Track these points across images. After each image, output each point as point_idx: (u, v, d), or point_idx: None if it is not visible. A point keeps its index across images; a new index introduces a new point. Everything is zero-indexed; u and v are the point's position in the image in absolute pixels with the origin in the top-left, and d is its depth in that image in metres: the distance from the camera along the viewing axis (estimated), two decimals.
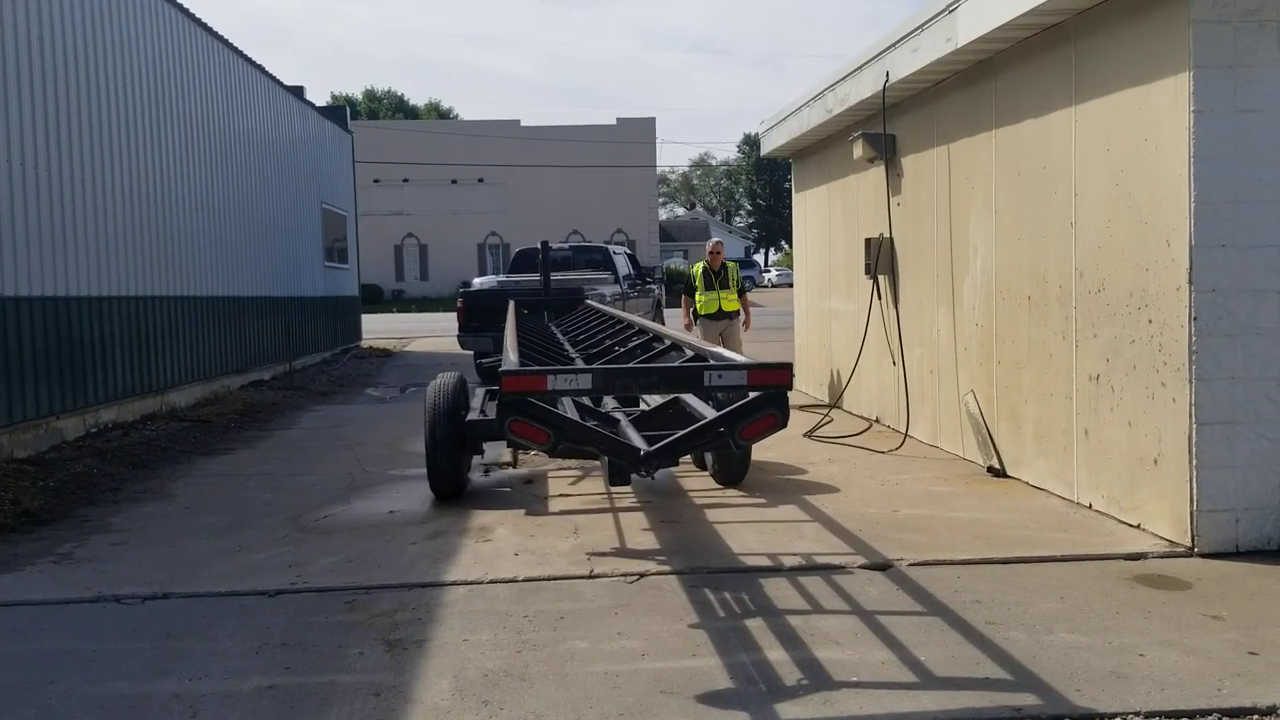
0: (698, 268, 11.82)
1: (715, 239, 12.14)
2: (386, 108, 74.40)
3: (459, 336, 14.99)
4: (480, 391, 8.42)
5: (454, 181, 49.80)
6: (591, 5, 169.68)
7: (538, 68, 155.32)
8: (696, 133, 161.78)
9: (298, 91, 18.34)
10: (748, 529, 6.17)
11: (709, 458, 7.53)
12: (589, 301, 12.70)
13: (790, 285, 13.42)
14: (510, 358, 6.40)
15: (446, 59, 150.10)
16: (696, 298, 11.70)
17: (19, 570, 5.66)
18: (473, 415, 7.36)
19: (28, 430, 8.79)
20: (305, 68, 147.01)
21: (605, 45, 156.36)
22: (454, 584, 5.19)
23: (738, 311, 11.77)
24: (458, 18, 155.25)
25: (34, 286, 8.99)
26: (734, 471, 7.30)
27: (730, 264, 11.85)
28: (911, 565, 5.32)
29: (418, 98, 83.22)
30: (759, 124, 14.03)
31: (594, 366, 6.52)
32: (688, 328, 11.77)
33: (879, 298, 9.63)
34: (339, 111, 22.68)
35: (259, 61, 15.71)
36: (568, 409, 6.04)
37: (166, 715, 3.77)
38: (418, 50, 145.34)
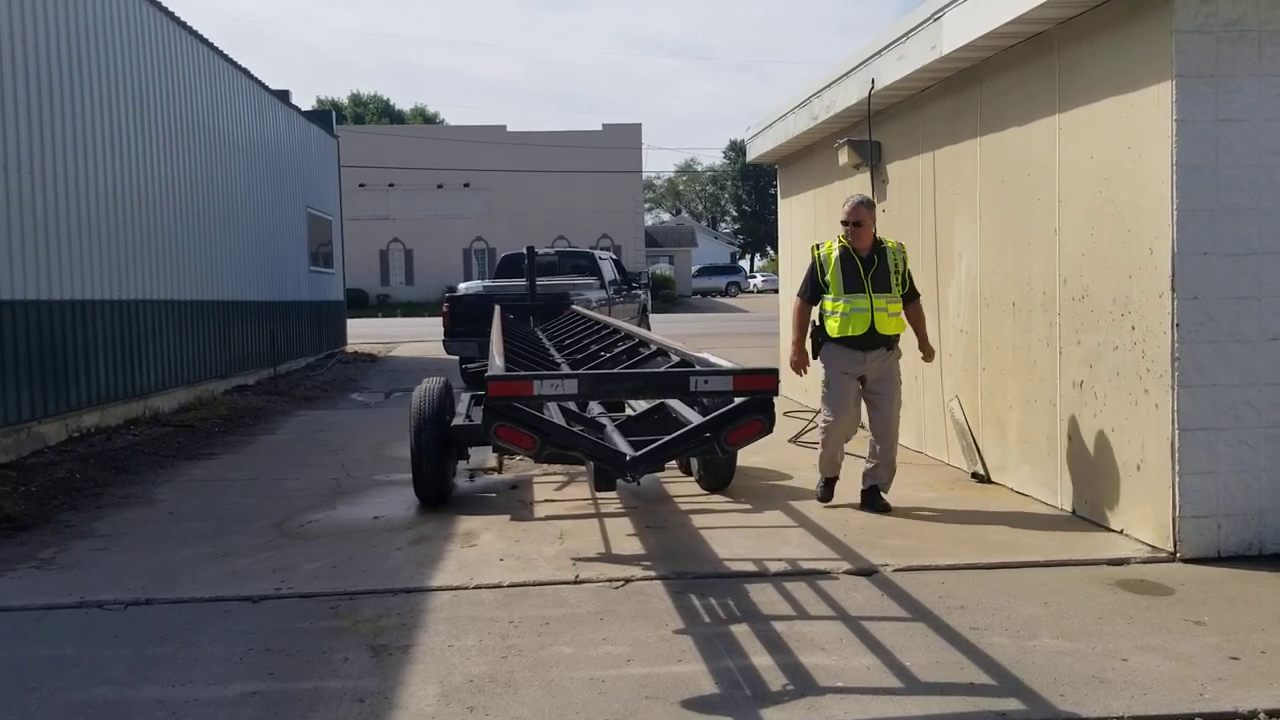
0: (829, 249, 6.72)
1: (857, 197, 6.78)
2: (372, 112, 74.20)
3: (444, 341, 14.98)
4: (466, 396, 8.41)
5: (440, 186, 49.69)
6: (571, 9, 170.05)
7: (522, 73, 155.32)
8: (682, 138, 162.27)
9: (283, 95, 18.28)
10: (733, 534, 6.17)
11: (694, 463, 7.54)
12: (575, 307, 12.69)
13: (775, 291, 13.32)
14: (496, 363, 6.39)
15: (429, 64, 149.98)
16: (826, 305, 6.69)
17: (0, 576, 5.62)
18: (458, 420, 7.34)
19: (8, 435, 8.72)
20: (286, 72, 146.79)
21: (588, 50, 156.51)
22: (439, 589, 5.17)
23: (898, 336, 6.72)
24: (439, 22, 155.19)
25: (15, 290, 8.93)
26: (719, 477, 7.31)
27: (891, 244, 6.76)
28: (896, 571, 5.34)
29: (401, 102, 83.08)
30: (744, 130, 14.07)
31: (580, 371, 6.52)
32: (798, 365, 6.87)
33: None
34: (324, 116, 22.61)
35: (240, 65, 15.65)
36: (553, 414, 6.03)
37: None
38: (400, 55, 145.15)
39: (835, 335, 6.61)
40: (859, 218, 6.62)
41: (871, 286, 6.55)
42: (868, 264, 6.60)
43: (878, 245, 6.67)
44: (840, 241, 6.71)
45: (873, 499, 6.70)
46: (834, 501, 6.86)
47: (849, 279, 6.59)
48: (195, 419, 11.35)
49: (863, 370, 6.63)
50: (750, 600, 4.92)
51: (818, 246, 6.83)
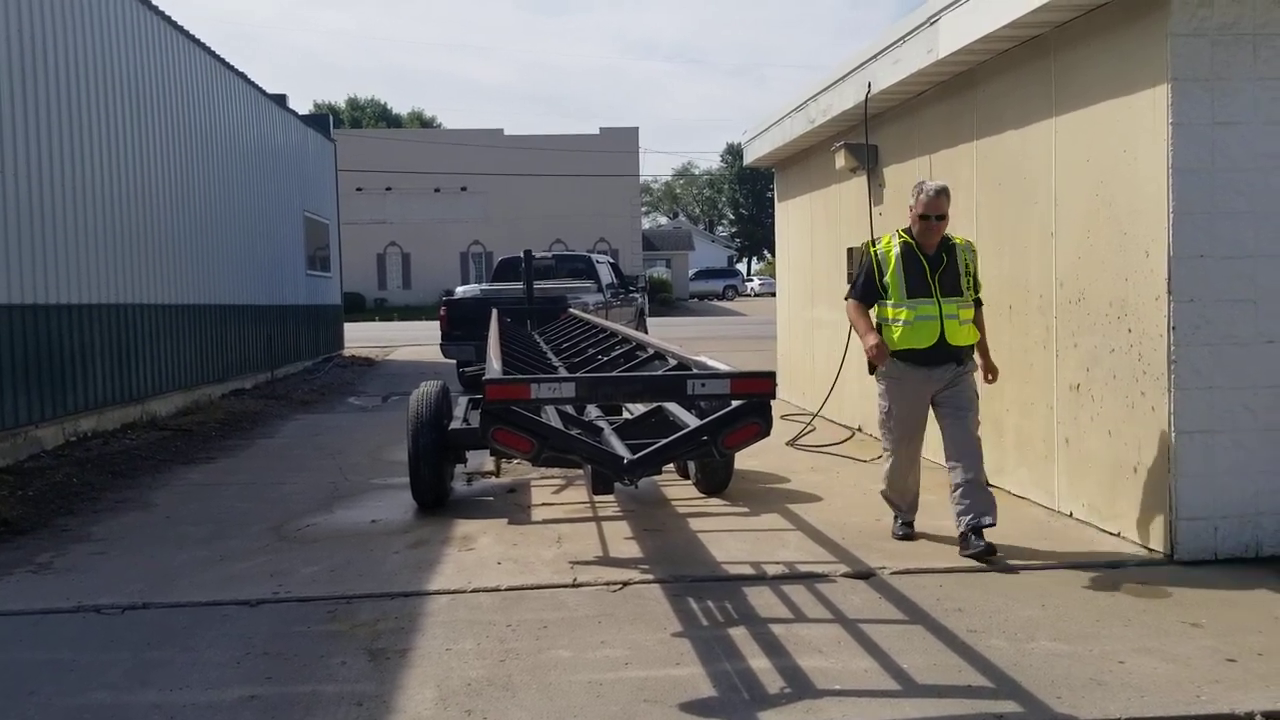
0: (888, 246, 5.81)
1: (935, 184, 5.73)
2: (369, 116, 74.21)
3: (442, 345, 14.97)
4: (463, 400, 8.40)
5: (437, 190, 49.70)
6: (567, 13, 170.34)
7: (515, 76, 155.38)
8: (677, 142, 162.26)
9: (280, 99, 18.28)
10: (731, 537, 6.18)
11: (692, 466, 7.54)
12: (572, 310, 12.71)
13: (773, 294, 13.34)
14: (493, 366, 6.40)
15: (423, 66, 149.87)
16: (885, 312, 5.79)
17: None
18: (456, 424, 7.33)
19: (5, 440, 8.71)
20: (281, 74, 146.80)
21: (583, 53, 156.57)
22: (437, 593, 5.17)
23: (972, 347, 5.82)
24: (435, 24, 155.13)
25: (13, 294, 8.92)
26: (717, 480, 7.31)
27: (959, 240, 5.87)
28: (894, 573, 5.34)
29: (397, 105, 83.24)
30: (741, 133, 14.09)
31: (577, 375, 6.52)
32: (879, 357, 5.73)
33: None
34: (322, 119, 22.61)
35: (237, 69, 15.65)
36: (551, 417, 6.03)
37: None
38: (394, 57, 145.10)
39: (898, 347, 5.68)
40: (942, 210, 5.61)
41: (940, 290, 5.62)
42: (934, 263, 5.66)
43: (944, 242, 5.73)
44: (901, 237, 5.78)
45: (972, 540, 5.50)
46: (831, 506, 6.85)
47: (913, 281, 5.64)
48: (192, 423, 11.34)
49: (929, 389, 5.71)
50: (748, 603, 4.92)
51: (874, 243, 5.95)
